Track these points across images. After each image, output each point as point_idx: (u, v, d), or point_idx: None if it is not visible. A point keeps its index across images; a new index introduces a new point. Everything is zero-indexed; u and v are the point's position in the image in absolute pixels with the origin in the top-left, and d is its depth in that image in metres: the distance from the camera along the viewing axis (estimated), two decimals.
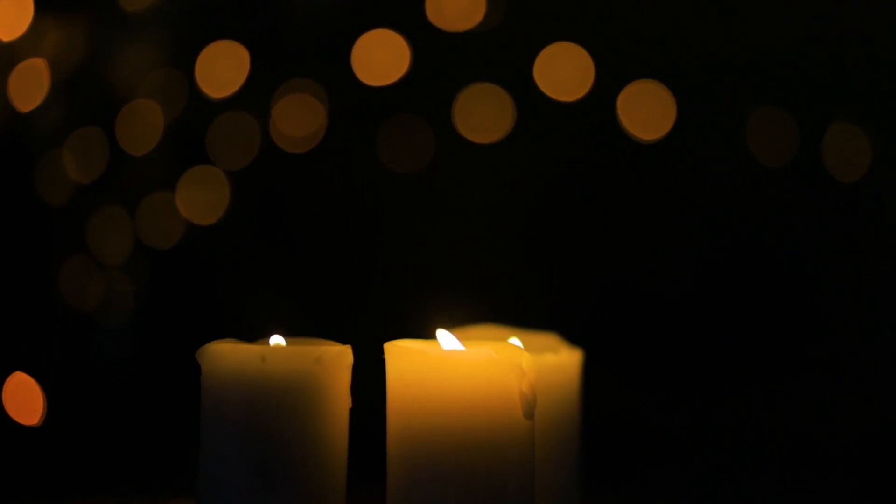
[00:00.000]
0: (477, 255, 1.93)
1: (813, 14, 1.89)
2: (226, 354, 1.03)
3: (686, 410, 1.89)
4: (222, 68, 1.93)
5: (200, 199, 1.94)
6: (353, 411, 1.06)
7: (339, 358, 1.04)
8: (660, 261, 1.93)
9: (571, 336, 1.23)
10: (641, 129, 1.89)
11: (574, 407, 1.18)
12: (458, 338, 1.05)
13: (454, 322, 1.15)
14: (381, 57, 1.92)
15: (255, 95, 1.93)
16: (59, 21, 1.87)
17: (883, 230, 1.89)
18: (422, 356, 1.00)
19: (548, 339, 1.22)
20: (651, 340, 1.93)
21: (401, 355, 1.01)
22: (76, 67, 1.89)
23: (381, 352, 1.03)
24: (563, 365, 1.17)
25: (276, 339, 1.07)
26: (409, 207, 1.96)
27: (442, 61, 1.93)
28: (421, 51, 1.92)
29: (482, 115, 1.92)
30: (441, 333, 1.05)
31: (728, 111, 1.89)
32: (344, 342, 1.06)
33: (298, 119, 1.94)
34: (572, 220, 1.95)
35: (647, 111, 1.89)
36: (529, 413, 1.00)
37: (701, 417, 1.89)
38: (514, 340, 1.17)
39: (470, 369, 0.99)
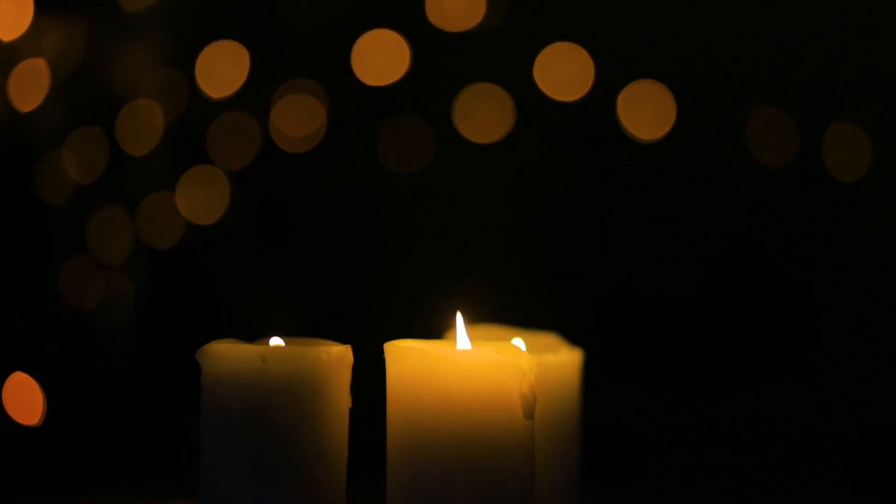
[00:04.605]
0: (477, 255, 1.93)
1: (813, 14, 1.89)
2: (226, 354, 1.03)
3: (686, 410, 1.89)
4: (222, 68, 1.93)
5: (200, 199, 1.94)
6: (353, 411, 1.06)
7: (339, 358, 1.04)
8: (659, 261, 1.93)
9: (571, 336, 1.23)
10: (641, 129, 1.89)
11: (574, 407, 1.18)
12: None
13: (452, 322, 1.15)
14: (381, 57, 1.92)
15: (255, 95, 1.93)
16: (59, 21, 1.87)
17: (883, 230, 1.89)
18: (422, 356, 1.00)
19: (548, 339, 1.22)
20: (651, 340, 1.93)
21: (401, 355, 1.01)
22: (76, 67, 1.89)
23: (381, 352, 1.03)
24: (563, 365, 1.17)
25: (276, 341, 1.07)
26: (408, 207, 1.96)
27: (442, 61, 1.93)
28: (421, 51, 1.92)
29: (482, 115, 1.92)
30: (459, 320, 1.05)
31: (728, 111, 1.89)
32: (344, 342, 1.06)
33: (298, 119, 1.94)
34: (572, 220, 1.95)
35: (647, 111, 1.89)
36: (529, 413, 1.00)
37: (701, 417, 1.89)
38: (517, 341, 1.17)
39: (470, 369, 0.99)
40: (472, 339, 1.05)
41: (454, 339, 1.05)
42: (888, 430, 1.85)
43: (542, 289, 1.94)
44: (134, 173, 1.92)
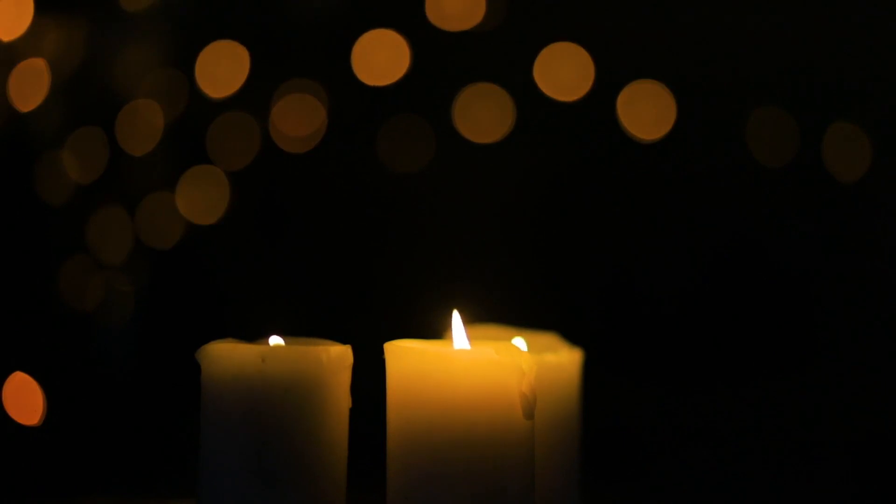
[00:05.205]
0: (477, 256, 1.93)
1: (813, 14, 1.89)
2: (226, 354, 1.03)
3: (686, 410, 1.89)
4: (222, 68, 1.93)
5: (200, 199, 1.94)
6: (353, 411, 1.06)
7: (339, 358, 1.04)
8: (659, 260, 1.93)
9: (571, 336, 1.23)
10: (641, 129, 1.89)
11: (574, 407, 1.18)
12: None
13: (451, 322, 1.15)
14: (381, 57, 1.92)
15: (255, 95, 1.93)
16: (59, 21, 1.87)
17: (883, 230, 1.89)
18: (422, 356, 1.00)
19: (548, 339, 1.22)
20: (651, 340, 1.93)
21: (401, 355, 1.01)
22: (76, 67, 1.89)
23: (381, 352, 1.03)
24: (563, 365, 1.17)
25: (276, 341, 1.07)
26: (408, 207, 1.96)
27: (442, 61, 1.93)
28: (421, 51, 1.92)
29: (482, 115, 1.92)
30: (456, 318, 1.05)
31: (728, 111, 1.89)
32: (344, 342, 1.06)
33: (298, 119, 1.94)
34: (572, 220, 1.95)
35: (647, 111, 1.89)
36: (529, 413, 1.00)
37: (701, 417, 1.89)
38: (519, 341, 1.17)
39: (470, 369, 0.99)
40: (471, 338, 1.05)
41: (453, 338, 1.05)
42: (888, 430, 1.85)
43: (542, 289, 1.94)
44: (134, 173, 1.92)
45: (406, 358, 1.01)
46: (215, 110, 1.93)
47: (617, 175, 1.94)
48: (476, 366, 0.99)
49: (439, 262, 1.93)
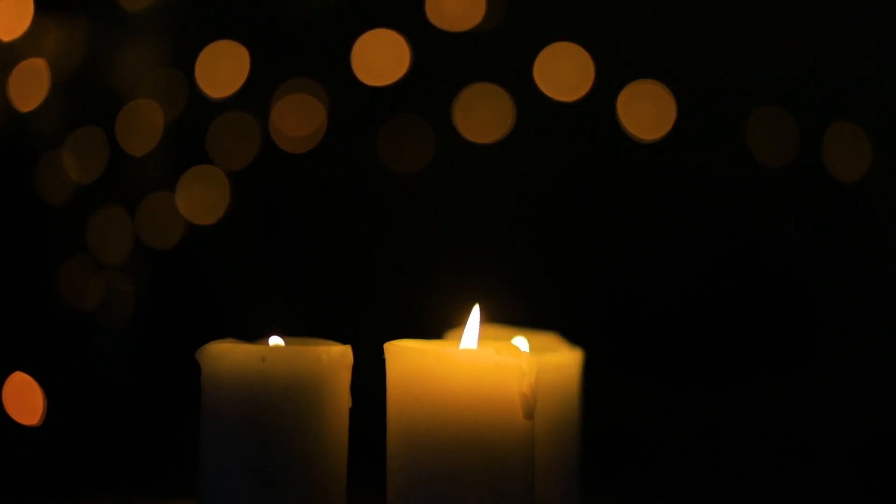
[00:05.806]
0: (476, 255, 1.93)
1: (813, 14, 1.89)
2: (226, 354, 1.03)
3: (686, 410, 1.89)
4: (222, 68, 1.93)
5: (200, 199, 1.94)
6: (353, 411, 1.06)
7: (339, 358, 1.04)
8: (660, 260, 1.93)
9: (571, 336, 1.23)
10: (641, 129, 1.89)
11: (574, 407, 1.18)
12: (460, 338, 1.05)
13: (453, 322, 1.15)
14: (381, 57, 1.92)
15: (255, 95, 1.93)
16: (59, 21, 1.87)
17: (883, 230, 1.89)
18: (422, 356, 1.00)
19: (548, 339, 1.22)
20: (651, 340, 1.93)
21: (401, 355, 1.01)
22: (76, 67, 1.89)
23: (381, 352, 1.03)
24: (563, 365, 1.17)
25: (276, 341, 1.07)
26: (408, 207, 1.96)
27: (442, 61, 1.93)
28: (421, 51, 1.92)
29: (482, 115, 1.92)
30: (475, 312, 1.05)
31: (728, 111, 1.89)
32: (344, 342, 1.06)
33: (298, 119, 1.94)
34: (572, 220, 1.95)
35: (647, 111, 1.89)
36: (529, 413, 1.00)
37: (701, 417, 1.89)
38: (520, 340, 1.17)
39: (470, 369, 0.99)
40: (480, 334, 1.05)
41: (463, 332, 1.05)
42: (888, 431, 1.85)
43: (543, 288, 1.94)
44: (134, 173, 1.92)
45: (406, 358, 1.01)
46: (215, 110, 1.93)
47: (617, 175, 1.94)
48: (476, 366, 0.99)
49: (439, 263, 1.93)
